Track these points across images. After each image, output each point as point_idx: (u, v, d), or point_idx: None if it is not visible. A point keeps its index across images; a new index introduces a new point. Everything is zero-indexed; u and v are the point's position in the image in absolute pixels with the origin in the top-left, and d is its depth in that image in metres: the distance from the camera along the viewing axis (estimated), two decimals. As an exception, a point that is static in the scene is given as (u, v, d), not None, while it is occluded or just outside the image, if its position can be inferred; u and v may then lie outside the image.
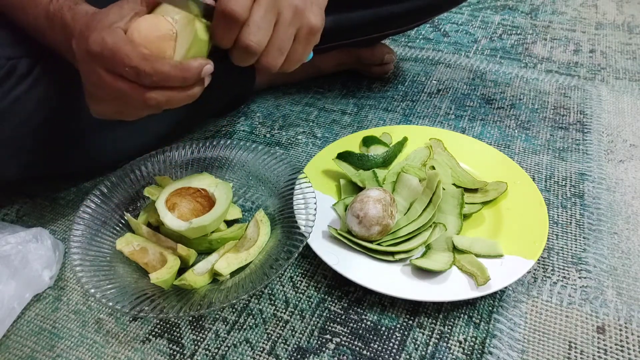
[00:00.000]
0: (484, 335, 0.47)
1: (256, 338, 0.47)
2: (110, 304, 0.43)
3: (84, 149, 0.60)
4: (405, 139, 0.66)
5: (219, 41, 0.41)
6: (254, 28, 0.39)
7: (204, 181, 0.54)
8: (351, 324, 0.48)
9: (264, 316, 0.49)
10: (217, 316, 0.49)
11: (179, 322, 0.49)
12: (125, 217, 0.55)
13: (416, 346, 0.46)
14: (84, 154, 0.61)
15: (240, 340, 0.47)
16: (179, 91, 0.41)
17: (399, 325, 0.48)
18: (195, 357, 0.46)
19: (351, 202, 0.52)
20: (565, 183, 0.64)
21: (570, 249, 0.55)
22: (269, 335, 0.47)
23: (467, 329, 0.47)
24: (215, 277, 0.50)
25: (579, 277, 0.52)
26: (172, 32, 0.40)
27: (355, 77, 0.88)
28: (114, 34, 0.38)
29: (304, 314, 0.49)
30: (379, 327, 0.48)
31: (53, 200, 0.64)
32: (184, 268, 0.51)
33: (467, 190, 0.58)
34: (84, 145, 0.59)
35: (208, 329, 0.48)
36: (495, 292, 0.49)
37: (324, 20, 0.44)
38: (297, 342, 0.47)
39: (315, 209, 0.52)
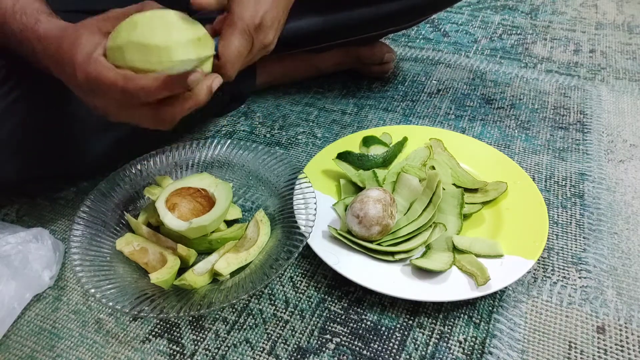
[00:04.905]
0: (484, 335, 0.47)
1: (256, 338, 0.47)
2: (110, 304, 0.43)
3: (84, 150, 0.60)
4: (405, 139, 0.66)
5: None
6: (234, 71, 0.45)
7: (204, 181, 0.54)
8: (351, 324, 0.48)
9: (264, 316, 0.49)
10: (217, 316, 0.49)
11: (179, 322, 0.49)
12: (125, 217, 0.55)
13: (416, 346, 0.46)
14: (83, 155, 0.61)
15: (240, 340, 0.47)
16: (182, 101, 0.41)
17: (399, 325, 0.48)
18: (195, 357, 0.46)
19: (351, 202, 0.52)
20: (565, 183, 0.64)
21: (570, 249, 0.55)
22: (269, 335, 0.47)
23: (467, 329, 0.47)
24: (215, 277, 0.50)
25: (579, 277, 0.52)
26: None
27: (355, 77, 0.88)
28: (95, 64, 0.39)
29: (304, 314, 0.49)
30: (379, 327, 0.48)
31: (53, 200, 0.64)
32: (184, 268, 0.51)
33: (467, 190, 0.58)
34: (83, 146, 0.59)
35: (208, 329, 0.48)
36: (495, 292, 0.50)
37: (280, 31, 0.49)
38: (297, 342, 0.47)
39: (315, 209, 0.52)
